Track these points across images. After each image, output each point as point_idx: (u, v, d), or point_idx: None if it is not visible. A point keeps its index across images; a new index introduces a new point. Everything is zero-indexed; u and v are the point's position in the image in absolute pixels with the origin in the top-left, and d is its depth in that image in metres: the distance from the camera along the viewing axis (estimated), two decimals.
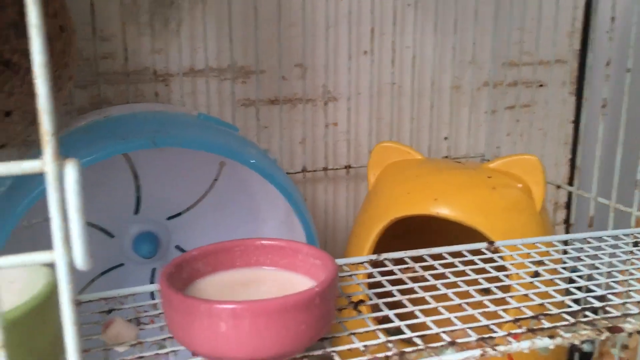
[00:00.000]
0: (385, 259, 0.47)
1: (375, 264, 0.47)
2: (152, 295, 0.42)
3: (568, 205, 0.91)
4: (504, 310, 0.38)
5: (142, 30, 0.68)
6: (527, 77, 0.86)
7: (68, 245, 0.24)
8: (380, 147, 0.69)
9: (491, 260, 0.47)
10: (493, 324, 0.36)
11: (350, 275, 0.45)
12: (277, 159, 0.67)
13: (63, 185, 0.25)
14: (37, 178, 0.49)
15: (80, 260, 0.24)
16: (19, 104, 0.46)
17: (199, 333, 0.31)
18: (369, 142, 0.80)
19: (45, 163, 0.24)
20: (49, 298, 0.28)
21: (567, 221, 0.92)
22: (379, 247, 0.65)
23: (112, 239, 0.65)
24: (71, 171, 0.24)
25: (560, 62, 0.87)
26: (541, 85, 0.88)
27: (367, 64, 0.78)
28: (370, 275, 0.45)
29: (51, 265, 0.28)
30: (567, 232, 0.90)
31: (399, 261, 0.47)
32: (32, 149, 0.63)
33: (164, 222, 0.67)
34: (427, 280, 0.43)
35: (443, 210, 0.61)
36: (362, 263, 0.47)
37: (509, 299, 0.40)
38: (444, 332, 0.35)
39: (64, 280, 0.25)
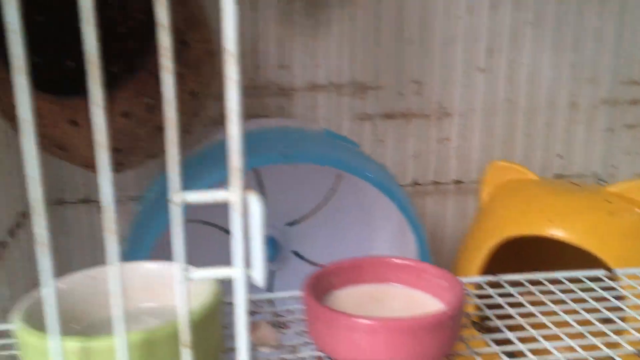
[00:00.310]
0: (504, 280, 0.49)
1: (492, 283, 0.49)
2: (289, 301, 0.46)
3: None
4: (627, 342, 0.39)
5: (269, 48, 0.74)
6: None
7: (247, 265, 0.29)
8: (494, 165, 0.70)
9: (611, 288, 0.48)
10: (618, 355, 0.37)
11: (471, 296, 0.47)
12: (395, 176, 0.70)
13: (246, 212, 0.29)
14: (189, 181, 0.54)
15: (260, 278, 0.29)
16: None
17: (339, 343, 0.35)
18: (480, 158, 0.81)
19: (233, 194, 0.29)
20: (216, 305, 0.32)
21: None
22: (489, 263, 0.66)
23: None
24: (255, 202, 0.29)
25: None
26: None
27: (481, 80, 0.79)
28: (489, 295, 0.47)
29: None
30: None
31: (515, 283, 0.48)
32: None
33: (284, 228, 0.71)
34: (546, 304, 0.45)
35: (558, 232, 0.62)
36: (481, 284, 0.49)
37: (632, 331, 0.41)
38: None
39: (242, 294, 0.29)
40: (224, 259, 0.71)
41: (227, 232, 0.70)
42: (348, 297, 0.41)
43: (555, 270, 0.50)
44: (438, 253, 0.83)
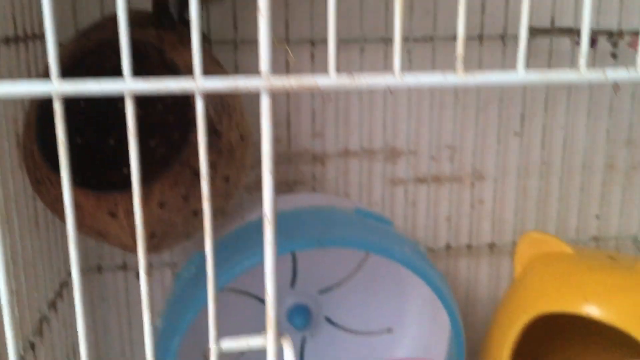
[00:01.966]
0: None
1: None
2: None
3: None
4: None
5: (304, 117, 0.75)
6: None
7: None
8: (528, 236, 0.69)
9: None
10: None
11: None
12: (426, 252, 0.70)
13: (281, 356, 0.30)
14: (225, 265, 0.55)
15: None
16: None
17: None
18: (514, 220, 0.80)
19: (269, 342, 0.29)
20: None
21: None
22: (521, 339, 0.65)
23: None
24: (288, 348, 0.29)
25: None
26: None
27: (516, 145, 0.79)
28: None
29: None
30: None
31: None
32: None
33: (316, 296, 0.72)
34: None
35: (594, 311, 0.61)
36: None
37: None
38: None
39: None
40: (258, 327, 0.72)
41: (261, 301, 0.71)
42: None
43: (589, 349, 0.50)
44: (471, 316, 0.83)
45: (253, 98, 0.34)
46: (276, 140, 0.75)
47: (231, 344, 0.29)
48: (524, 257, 0.69)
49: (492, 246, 0.80)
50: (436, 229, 0.80)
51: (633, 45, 0.64)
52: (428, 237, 0.80)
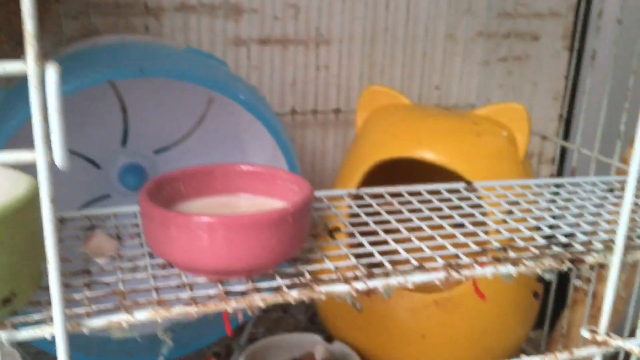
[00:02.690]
0: (365, 193, 0.48)
1: (355, 197, 0.48)
2: (135, 216, 0.43)
3: (554, 160, 0.92)
4: (474, 242, 0.40)
5: None
6: (522, 29, 0.86)
7: (49, 145, 0.25)
8: (369, 90, 0.69)
9: (468, 199, 0.49)
10: (461, 252, 0.38)
11: (329, 207, 0.46)
12: (265, 97, 0.67)
13: (44, 87, 0.26)
14: (26, 99, 0.49)
15: (59, 159, 0.25)
16: (5, 23, 0.46)
17: (176, 245, 0.33)
18: (360, 86, 0.80)
19: (28, 65, 0.25)
20: (31, 201, 0.29)
21: (553, 176, 0.93)
22: (363, 187, 0.66)
23: (98, 170, 0.65)
24: (52, 74, 0.25)
25: (555, 15, 0.87)
26: (535, 39, 0.87)
27: (361, 7, 0.77)
28: (348, 207, 0.46)
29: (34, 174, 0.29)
30: None
31: (377, 196, 0.48)
32: None
33: (151, 156, 0.67)
34: (402, 213, 0.44)
35: (427, 154, 0.62)
36: (341, 196, 0.48)
37: (480, 233, 0.42)
38: (413, 257, 0.37)
39: (44, 178, 0.26)
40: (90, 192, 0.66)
41: (90, 161, 0.65)
42: (195, 207, 0.38)
43: None
44: (319, 183, 0.83)
45: None
46: None
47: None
48: (365, 110, 0.69)
49: (337, 112, 0.80)
50: (281, 94, 0.78)
51: None
52: (274, 103, 0.78)
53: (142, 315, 0.30)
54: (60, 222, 0.41)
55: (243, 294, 0.32)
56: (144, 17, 0.69)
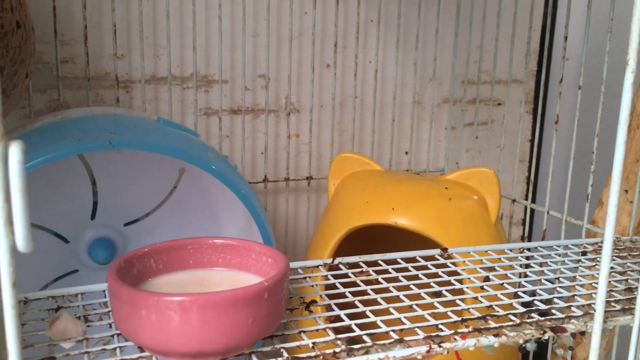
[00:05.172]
0: (340, 262, 0.47)
1: (330, 268, 0.48)
2: (104, 294, 0.41)
3: (525, 222, 0.93)
4: (453, 312, 0.39)
5: (105, 35, 0.68)
6: (486, 95, 0.89)
7: (10, 227, 0.24)
8: (340, 157, 0.70)
9: (444, 265, 0.48)
10: (441, 323, 0.37)
11: (305, 278, 0.45)
12: (237, 166, 0.67)
13: (7, 165, 0.25)
14: None
15: (22, 242, 0.24)
16: None
17: (146, 326, 0.31)
18: (331, 153, 0.80)
19: None
20: None
21: (523, 238, 0.94)
22: (338, 255, 0.65)
23: (66, 244, 0.64)
24: (15, 152, 0.24)
25: (516, 81, 0.90)
26: (499, 104, 0.90)
27: (330, 77, 0.79)
28: (325, 278, 0.45)
29: None
30: None
31: (353, 265, 0.47)
32: None
33: (121, 228, 0.66)
34: (379, 283, 0.44)
35: (401, 220, 0.62)
36: (317, 266, 0.47)
37: (459, 302, 0.41)
38: (392, 330, 0.36)
39: (6, 262, 0.25)
40: (56, 264, 0.64)
41: (59, 236, 0.63)
42: (166, 283, 0.37)
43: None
44: (292, 250, 0.82)
45: None
46: (72, 61, 0.68)
47: None
48: (337, 177, 0.69)
49: (309, 179, 0.80)
50: (253, 163, 0.78)
51: None
52: (246, 171, 0.77)
53: None
54: (24, 304, 0.39)
55: None
56: (114, 90, 0.69)
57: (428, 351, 0.33)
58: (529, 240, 0.86)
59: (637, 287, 0.44)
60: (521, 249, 0.53)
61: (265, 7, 0.74)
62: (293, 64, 0.77)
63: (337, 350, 0.33)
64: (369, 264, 0.47)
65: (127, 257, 0.36)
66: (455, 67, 0.83)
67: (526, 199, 0.77)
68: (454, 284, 0.44)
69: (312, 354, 0.32)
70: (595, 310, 0.33)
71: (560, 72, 0.68)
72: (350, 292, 0.42)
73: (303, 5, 0.76)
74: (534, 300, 0.41)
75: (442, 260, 0.49)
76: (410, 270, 0.46)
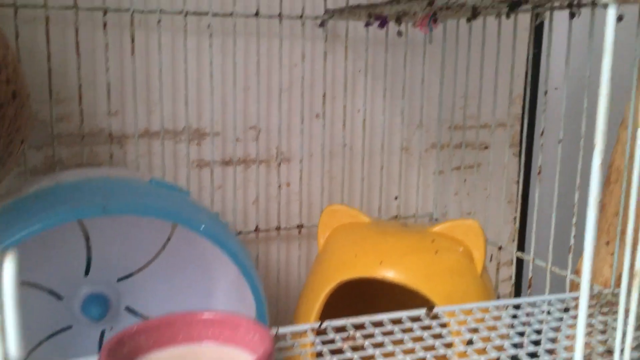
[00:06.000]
0: (328, 326, 0.49)
1: (319, 332, 0.49)
2: None
3: (512, 265, 0.95)
4: None
5: (99, 93, 0.70)
6: (472, 140, 0.91)
7: (3, 338, 0.25)
8: (329, 209, 0.71)
9: (429, 327, 0.49)
10: None
11: (293, 345, 0.46)
12: (228, 222, 0.69)
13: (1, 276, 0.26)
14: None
15: (14, 351, 0.26)
16: None
17: None
18: (321, 201, 0.82)
19: None
20: None
21: (511, 283, 0.95)
22: (328, 308, 0.67)
23: (60, 300, 0.64)
24: (9, 265, 0.26)
25: (502, 125, 0.92)
26: (486, 147, 0.92)
27: (319, 126, 0.81)
28: (313, 345, 0.46)
29: None
30: (514, 290, 0.93)
31: (341, 328, 0.49)
32: None
33: (115, 284, 0.67)
34: (365, 350, 0.45)
35: (388, 274, 0.63)
36: (305, 331, 0.48)
37: None
38: None
39: None
40: (49, 322, 0.65)
41: (52, 293, 0.64)
42: None
43: (390, 310, 0.51)
44: (284, 298, 0.82)
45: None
46: (66, 119, 0.69)
47: None
48: (326, 229, 0.71)
49: (300, 227, 0.81)
50: (245, 213, 0.79)
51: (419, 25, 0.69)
52: (237, 221, 0.79)
53: None
54: None
55: None
56: (108, 146, 0.71)
57: None
58: (517, 286, 0.87)
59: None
60: (506, 307, 0.54)
61: (255, 62, 0.76)
62: (283, 115, 0.79)
63: None
64: (357, 327, 0.49)
65: (119, 336, 0.37)
66: (441, 113, 0.85)
67: (513, 241, 0.78)
68: (437, 349, 0.46)
69: None
70: None
71: (542, 124, 0.70)
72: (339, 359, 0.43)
73: (292, 58, 0.78)
74: None
75: (427, 322, 0.50)
76: (395, 334, 0.48)
